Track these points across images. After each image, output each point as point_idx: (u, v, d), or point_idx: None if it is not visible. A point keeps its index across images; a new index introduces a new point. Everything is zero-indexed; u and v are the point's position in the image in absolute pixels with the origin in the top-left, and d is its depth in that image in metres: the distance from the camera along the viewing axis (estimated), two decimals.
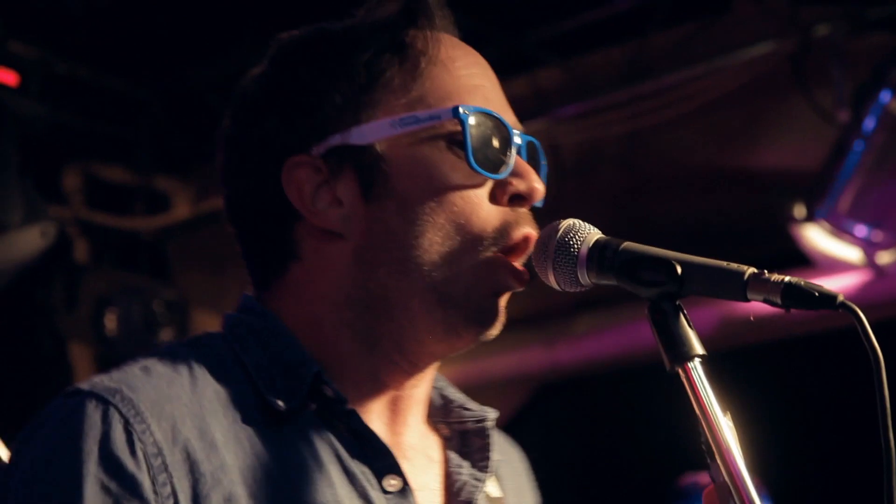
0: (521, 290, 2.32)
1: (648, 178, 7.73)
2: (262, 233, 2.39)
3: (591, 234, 2.25)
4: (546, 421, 9.71)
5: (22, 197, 7.05)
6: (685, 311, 2.12)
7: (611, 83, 7.24)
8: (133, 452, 2.06)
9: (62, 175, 8.39)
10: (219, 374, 2.24)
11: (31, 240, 7.19)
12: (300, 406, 2.23)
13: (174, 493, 2.07)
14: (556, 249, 2.24)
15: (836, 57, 6.59)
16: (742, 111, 7.32)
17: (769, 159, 7.39)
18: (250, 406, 2.21)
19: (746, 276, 2.05)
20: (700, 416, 2.06)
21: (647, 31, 6.96)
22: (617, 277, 2.19)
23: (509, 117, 2.36)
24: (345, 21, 2.41)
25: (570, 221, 2.26)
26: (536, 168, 2.38)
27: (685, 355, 2.08)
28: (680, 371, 2.08)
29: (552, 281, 2.26)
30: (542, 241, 2.26)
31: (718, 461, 2.05)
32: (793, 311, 2.04)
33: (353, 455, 2.24)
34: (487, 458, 2.42)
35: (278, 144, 2.34)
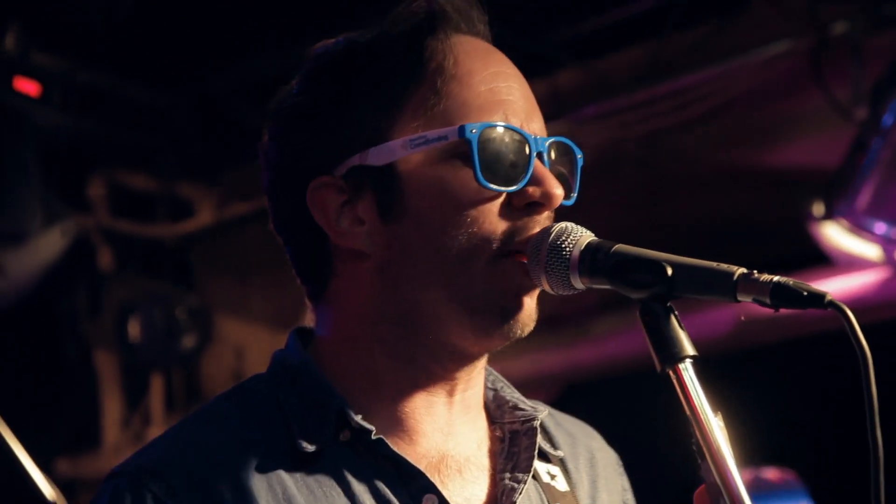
0: (539, 287, 2.32)
1: (668, 179, 7.72)
2: (302, 248, 2.44)
3: (582, 237, 2.27)
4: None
5: (41, 204, 7.11)
6: (676, 313, 2.13)
7: (630, 84, 7.23)
8: None
9: (86, 183, 8.43)
10: (254, 423, 2.31)
11: (52, 242, 7.26)
12: (329, 443, 2.28)
13: None
14: (548, 253, 2.25)
15: (854, 54, 6.57)
16: (761, 110, 7.29)
17: (790, 157, 7.36)
18: (285, 451, 2.27)
19: (736, 276, 2.07)
20: (691, 417, 2.08)
21: (666, 32, 6.95)
22: (609, 280, 2.20)
23: (532, 124, 2.36)
24: (369, 32, 2.42)
25: (563, 225, 2.28)
26: (572, 166, 2.40)
27: (676, 356, 2.10)
28: (670, 372, 2.10)
29: (545, 284, 2.28)
30: (534, 245, 2.28)
31: (709, 461, 2.06)
32: (793, 311, 2.05)
33: (390, 482, 2.27)
34: (532, 457, 2.42)
35: (305, 163, 2.37)
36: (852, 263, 6.91)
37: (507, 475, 2.40)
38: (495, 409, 2.50)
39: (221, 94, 7.72)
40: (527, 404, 2.49)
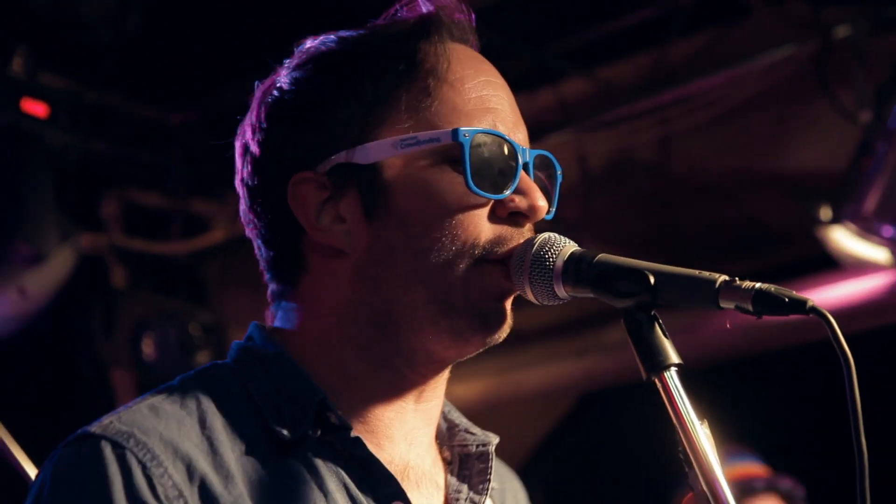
0: (518, 292, 2.33)
1: (677, 185, 7.73)
2: (274, 244, 2.42)
3: (566, 247, 2.27)
4: (589, 431, 9.71)
5: (57, 226, 7.17)
6: (660, 321, 2.15)
7: (635, 91, 7.26)
8: (156, 496, 2.10)
9: (99, 203, 8.46)
10: (225, 407, 2.26)
11: (65, 260, 7.32)
12: (305, 434, 2.25)
13: None
14: (531, 263, 2.27)
15: (858, 57, 6.58)
16: (768, 115, 7.30)
17: (797, 162, 7.35)
18: (257, 436, 2.24)
19: (718, 283, 2.08)
20: (677, 425, 2.09)
21: (669, 39, 6.98)
22: (592, 289, 2.21)
23: (518, 134, 2.37)
24: (360, 32, 2.43)
25: (546, 235, 2.30)
26: (551, 180, 2.42)
27: (660, 365, 2.11)
28: (656, 380, 2.12)
29: (529, 294, 2.29)
30: (518, 256, 2.29)
31: (696, 469, 2.07)
32: (777, 318, 2.06)
33: (359, 483, 2.26)
34: (487, 481, 2.43)
35: (287, 157, 2.36)
36: (861, 267, 6.91)
37: (462, 496, 2.41)
38: (445, 430, 2.51)
39: (231, 110, 7.72)
40: (477, 430, 2.51)
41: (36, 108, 7.15)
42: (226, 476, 2.15)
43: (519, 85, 7.94)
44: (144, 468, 2.11)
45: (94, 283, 8.35)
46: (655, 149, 7.57)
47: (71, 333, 8.33)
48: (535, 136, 7.66)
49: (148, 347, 8.29)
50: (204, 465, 2.15)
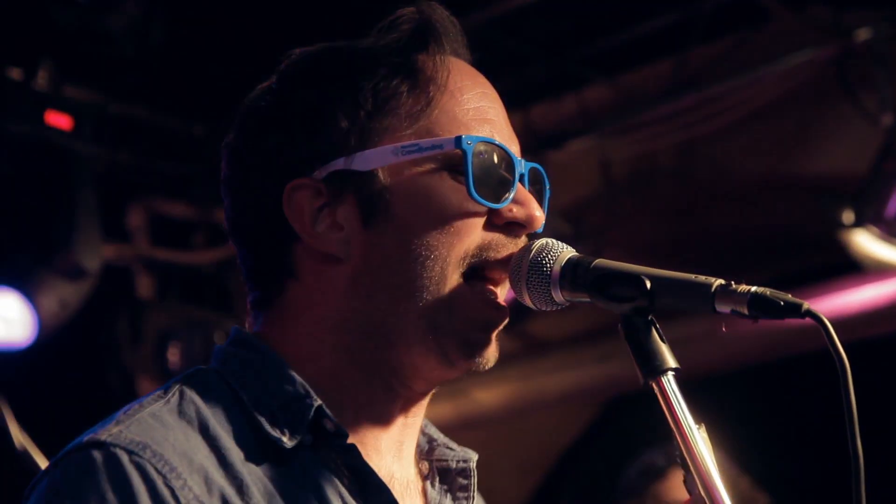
0: (504, 322, 2.33)
1: (701, 190, 7.73)
2: (262, 250, 2.39)
3: (563, 252, 2.27)
4: (618, 435, 9.70)
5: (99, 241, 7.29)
6: (657, 325, 2.16)
7: (657, 97, 7.27)
8: None
9: (125, 213, 8.51)
10: (220, 414, 2.23)
11: (97, 273, 7.41)
12: (301, 441, 2.23)
13: None
14: (528, 269, 2.27)
15: (879, 60, 6.57)
16: (790, 119, 7.30)
17: (821, 166, 7.32)
18: (252, 444, 2.21)
19: (714, 287, 2.09)
20: (674, 429, 2.10)
21: (690, 44, 7.00)
22: (589, 294, 2.22)
23: (514, 146, 2.37)
24: (357, 42, 2.42)
25: (544, 241, 2.30)
26: (540, 194, 2.41)
27: (657, 369, 2.12)
28: (653, 385, 2.12)
29: (527, 300, 2.30)
30: (516, 262, 2.29)
31: (693, 474, 2.08)
32: (773, 322, 2.07)
33: (353, 492, 2.24)
34: (470, 497, 2.44)
35: (281, 164, 2.34)
36: (883, 271, 6.89)
37: None
38: (425, 444, 2.49)
39: None
40: (456, 445, 2.50)
41: (61, 120, 7.20)
42: (239, 487, 2.13)
43: (541, 92, 7.94)
44: (165, 479, 2.07)
45: (121, 292, 8.39)
46: (678, 154, 7.56)
47: (97, 343, 8.38)
48: (557, 144, 7.64)
49: (174, 356, 8.32)
50: (218, 476, 2.12)
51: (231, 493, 2.11)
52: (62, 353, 7.79)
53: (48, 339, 7.42)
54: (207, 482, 2.10)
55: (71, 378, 8.18)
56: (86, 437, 2.13)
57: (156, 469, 2.07)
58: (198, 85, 7.57)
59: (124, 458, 2.07)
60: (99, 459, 2.07)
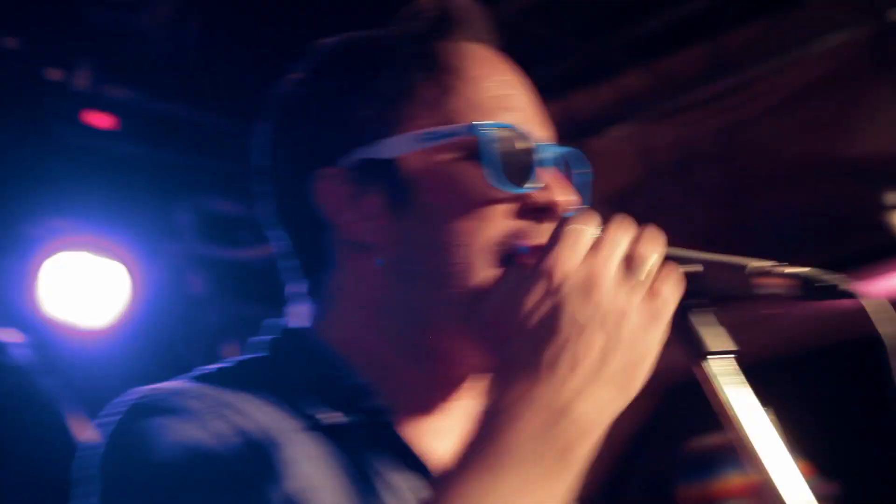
0: None
1: (744, 174, 7.66)
2: (298, 240, 2.41)
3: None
4: (682, 422, 9.63)
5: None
6: (696, 308, 2.10)
7: (695, 81, 7.22)
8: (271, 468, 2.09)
9: (174, 211, 8.57)
10: (272, 394, 2.22)
11: None
12: (348, 421, 2.24)
13: None
14: None
15: None
16: (831, 100, 7.22)
17: (865, 147, 7.25)
18: (305, 423, 2.21)
19: (749, 269, 2.05)
20: (720, 414, 2.05)
21: (725, 27, 6.95)
22: None
23: (542, 132, 2.35)
24: (379, 31, 2.43)
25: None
26: (580, 178, 2.38)
27: (697, 353, 2.08)
28: (696, 369, 2.08)
29: None
30: None
31: (748, 459, 2.03)
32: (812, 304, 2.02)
33: (395, 471, 2.24)
34: None
35: (309, 153, 2.35)
36: None
37: None
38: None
39: None
40: None
41: (104, 120, 7.27)
42: (296, 458, 2.13)
43: (578, 80, 7.88)
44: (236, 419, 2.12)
45: (173, 290, 8.46)
46: (719, 139, 7.51)
47: (151, 342, 8.46)
48: (597, 131, 7.61)
49: (228, 353, 8.38)
50: (278, 446, 2.13)
51: (299, 460, 2.12)
52: (116, 352, 7.88)
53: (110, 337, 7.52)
54: (272, 444, 2.12)
55: (135, 374, 8.26)
56: (144, 395, 2.22)
57: (233, 423, 2.11)
58: (236, 80, 7.59)
59: (208, 421, 2.10)
60: (175, 404, 2.14)
